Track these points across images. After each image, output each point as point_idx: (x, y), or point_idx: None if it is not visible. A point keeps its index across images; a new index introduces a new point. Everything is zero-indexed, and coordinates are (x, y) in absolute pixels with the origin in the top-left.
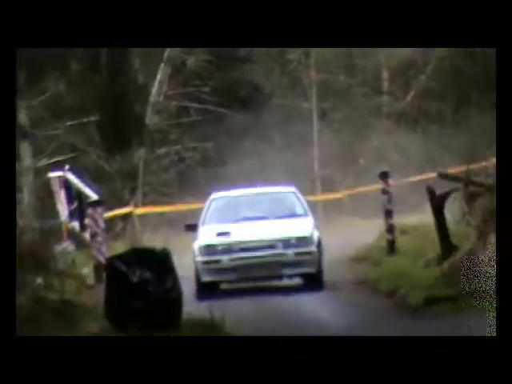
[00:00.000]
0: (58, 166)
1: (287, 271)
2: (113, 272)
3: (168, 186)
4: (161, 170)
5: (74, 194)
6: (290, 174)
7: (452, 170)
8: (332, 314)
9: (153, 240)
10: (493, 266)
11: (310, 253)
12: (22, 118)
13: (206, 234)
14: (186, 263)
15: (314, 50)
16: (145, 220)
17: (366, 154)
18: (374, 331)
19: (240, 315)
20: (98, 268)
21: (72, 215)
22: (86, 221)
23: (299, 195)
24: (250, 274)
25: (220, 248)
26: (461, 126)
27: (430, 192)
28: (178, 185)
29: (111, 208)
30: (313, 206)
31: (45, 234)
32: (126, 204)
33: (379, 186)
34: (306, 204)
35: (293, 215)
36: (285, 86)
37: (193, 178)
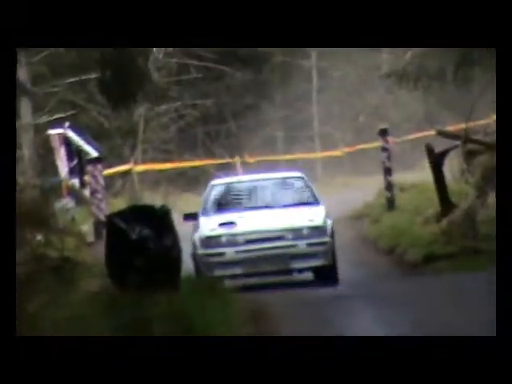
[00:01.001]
0: (58, 123)
1: (298, 264)
2: (112, 229)
3: (167, 144)
4: (160, 127)
5: (73, 151)
6: (289, 131)
7: (451, 128)
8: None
9: (152, 197)
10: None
11: (323, 243)
12: (22, 74)
13: (208, 225)
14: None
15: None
16: (144, 177)
17: (366, 112)
18: (376, 290)
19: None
20: (97, 225)
21: (72, 172)
22: (86, 178)
23: (307, 181)
24: (257, 268)
25: (224, 240)
26: (461, 85)
27: (429, 150)
28: (178, 142)
29: (111, 165)
30: (312, 164)
31: (45, 191)
32: (125, 161)
33: (378, 143)
34: (315, 190)
35: (303, 203)
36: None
37: (192, 136)
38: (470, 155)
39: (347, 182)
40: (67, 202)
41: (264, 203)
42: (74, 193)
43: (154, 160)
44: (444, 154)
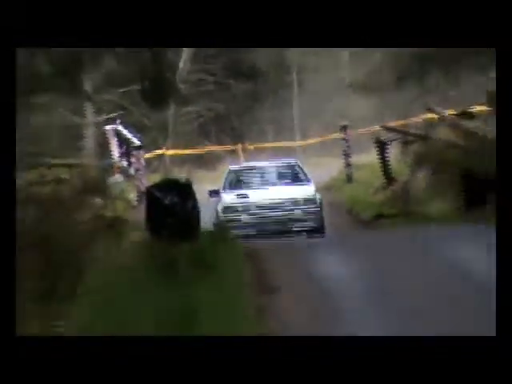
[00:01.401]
0: (111, 120)
1: (295, 226)
2: (150, 197)
3: (190, 135)
4: (185, 123)
5: (122, 141)
6: (276, 126)
7: (394, 124)
8: None
9: (179, 173)
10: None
11: (314, 211)
12: (86, 85)
13: (228, 197)
14: (201, 190)
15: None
16: (173, 159)
17: (333, 112)
18: (340, 239)
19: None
20: (139, 194)
21: (121, 156)
22: (132, 160)
23: (301, 166)
24: (265, 228)
25: (240, 208)
26: (401, 93)
27: (377, 139)
28: (197, 134)
29: (149, 150)
30: (293, 150)
31: (103, 169)
32: (159, 147)
33: (341, 135)
34: (306, 173)
35: (298, 182)
36: (275, 65)
37: (208, 129)
38: (405, 144)
39: (319, 162)
40: (118, 178)
41: (269, 182)
42: (123, 171)
43: (180, 146)
44: (387, 143)
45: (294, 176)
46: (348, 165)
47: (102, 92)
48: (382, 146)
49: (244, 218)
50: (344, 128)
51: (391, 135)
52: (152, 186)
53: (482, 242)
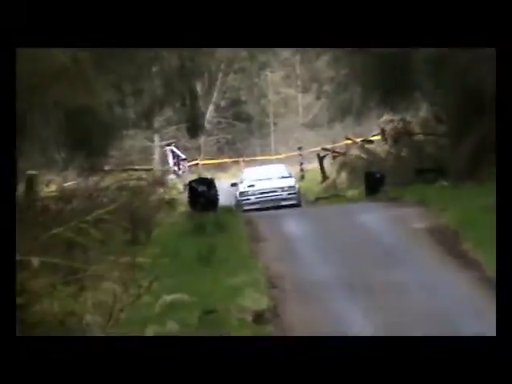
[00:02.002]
0: (169, 144)
1: (283, 203)
2: (190, 187)
3: (212, 153)
4: (209, 146)
5: (175, 156)
6: (261, 147)
7: (327, 146)
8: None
9: (207, 174)
10: (343, 184)
11: (294, 193)
12: (155, 123)
13: (242, 186)
14: (220, 184)
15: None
16: (203, 166)
17: (294, 140)
18: (296, 211)
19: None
20: (185, 185)
21: (174, 165)
22: (180, 167)
23: (287, 167)
24: (265, 205)
25: (249, 192)
26: (331, 129)
27: (318, 155)
28: (216, 152)
29: (189, 161)
30: (270, 161)
31: (164, 172)
32: (195, 159)
33: (298, 152)
34: (290, 171)
35: (284, 177)
36: (259, 113)
37: (222, 149)
38: (334, 157)
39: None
40: (172, 177)
41: (267, 177)
42: (175, 173)
43: (206, 159)
44: (324, 156)
45: (282, 173)
46: (301, 169)
47: (164, 128)
48: (321, 159)
49: (252, 198)
50: (300, 148)
51: (326, 152)
52: (191, 181)
53: (377, 212)
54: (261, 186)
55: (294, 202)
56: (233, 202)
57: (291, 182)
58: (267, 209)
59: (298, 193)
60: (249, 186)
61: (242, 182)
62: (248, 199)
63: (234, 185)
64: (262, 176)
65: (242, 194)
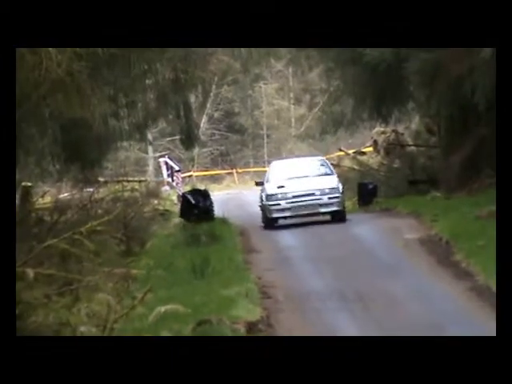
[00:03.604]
0: (162, 156)
1: (322, 209)
2: (184, 198)
3: (206, 164)
4: (203, 157)
5: (169, 167)
6: (254, 158)
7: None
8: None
9: (201, 186)
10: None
11: (337, 197)
12: (149, 136)
13: (270, 187)
14: (213, 195)
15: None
16: (198, 178)
17: (286, 151)
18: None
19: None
20: (178, 196)
21: (168, 176)
22: (174, 178)
23: (326, 161)
24: (299, 211)
25: (279, 195)
26: (323, 142)
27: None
28: (211, 163)
29: (184, 173)
30: (263, 172)
31: (158, 184)
32: (189, 171)
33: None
34: (331, 166)
35: (324, 174)
36: (252, 125)
37: (216, 161)
38: None
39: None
40: (166, 188)
41: (302, 174)
42: (169, 184)
43: (200, 170)
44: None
45: (322, 169)
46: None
47: (157, 140)
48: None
49: (283, 203)
50: (259, 184)
51: None
52: (185, 193)
53: (367, 222)
54: (293, 186)
55: (336, 208)
56: (258, 205)
57: (333, 181)
58: (300, 216)
59: (341, 197)
60: (278, 187)
61: (268, 181)
62: (278, 204)
63: (258, 184)
64: (294, 173)
65: (269, 197)
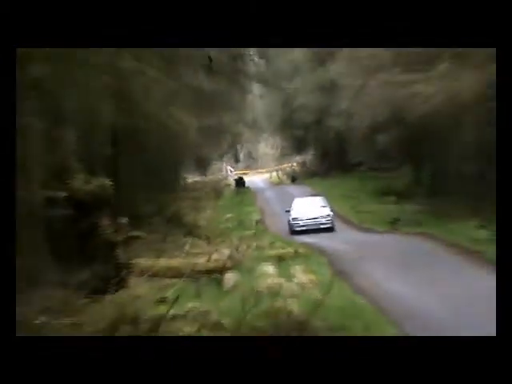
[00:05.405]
0: (227, 164)
1: (322, 226)
2: (235, 180)
3: (242, 167)
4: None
5: (228, 169)
6: (251, 163)
7: (280, 166)
8: None
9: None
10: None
11: (330, 220)
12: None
13: (294, 213)
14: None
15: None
16: (238, 173)
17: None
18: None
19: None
20: (234, 180)
21: (227, 172)
22: (230, 173)
23: (324, 198)
24: (309, 227)
25: (299, 219)
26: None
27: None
28: (244, 167)
29: (235, 171)
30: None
31: (226, 175)
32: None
33: (274, 168)
34: (326, 201)
35: (323, 206)
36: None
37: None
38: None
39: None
40: (229, 177)
41: (311, 207)
42: (230, 175)
43: (240, 169)
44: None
45: (321, 204)
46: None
47: (225, 158)
48: (277, 171)
49: (301, 223)
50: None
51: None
52: (235, 178)
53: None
54: (306, 214)
55: (329, 225)
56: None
57: (328, 211)
58: (310, 231)
59: (332, 220)
60: (297, 213)
61: (292, 209)
62: (298, 223)
63: (287, 211)
64: (306, 205)
65: (294, 219)
